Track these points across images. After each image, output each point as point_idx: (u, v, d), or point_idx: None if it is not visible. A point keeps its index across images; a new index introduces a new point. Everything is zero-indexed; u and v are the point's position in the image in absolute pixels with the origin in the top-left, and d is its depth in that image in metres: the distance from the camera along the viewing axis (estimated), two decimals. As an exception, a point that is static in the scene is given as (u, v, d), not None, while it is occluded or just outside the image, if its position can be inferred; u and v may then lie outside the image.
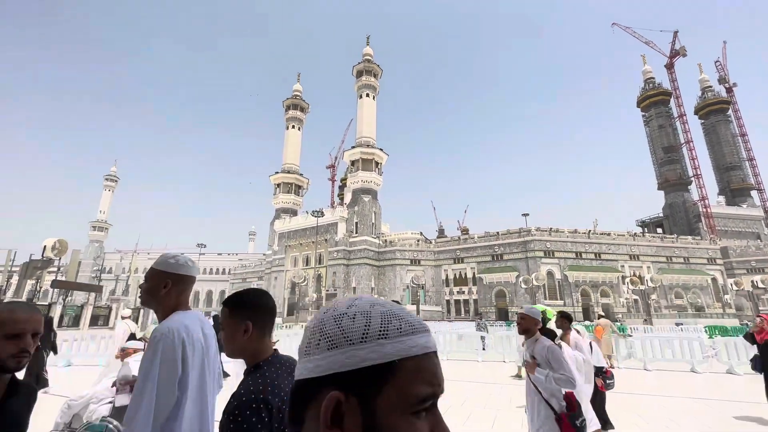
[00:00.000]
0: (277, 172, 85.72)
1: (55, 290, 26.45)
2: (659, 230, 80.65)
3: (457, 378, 10.34)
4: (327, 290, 62.44)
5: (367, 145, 73.00)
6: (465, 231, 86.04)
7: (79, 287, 25.41)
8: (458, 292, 62.18)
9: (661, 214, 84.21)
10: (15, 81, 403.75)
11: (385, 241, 69.28)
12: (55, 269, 25.63)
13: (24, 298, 22.43)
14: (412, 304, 56.74)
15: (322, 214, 60.63)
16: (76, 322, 24.06)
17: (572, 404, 2.92)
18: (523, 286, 51.05)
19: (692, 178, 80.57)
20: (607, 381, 5.27)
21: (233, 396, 1.27)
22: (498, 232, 62.36)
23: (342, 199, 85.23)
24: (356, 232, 66.46)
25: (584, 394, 4.40)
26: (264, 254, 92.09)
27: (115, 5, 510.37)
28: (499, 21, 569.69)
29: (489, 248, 61.68)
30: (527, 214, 63.04)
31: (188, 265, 1.89)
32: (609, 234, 61.63)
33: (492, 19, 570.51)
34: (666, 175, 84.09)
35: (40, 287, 28.49)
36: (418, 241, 70.58)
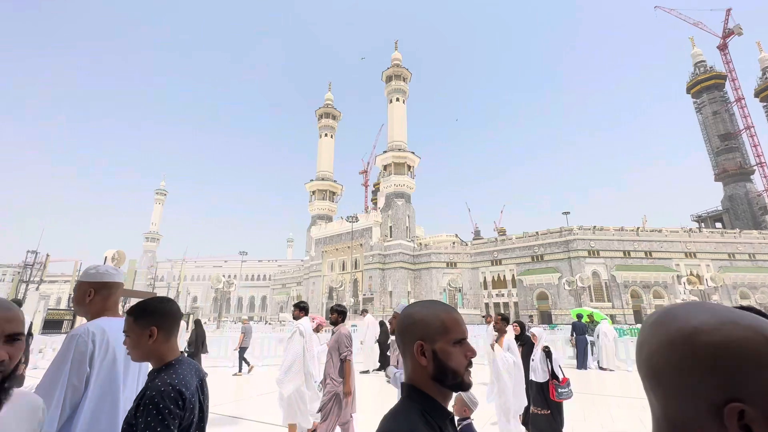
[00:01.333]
0: (312, 180, 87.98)
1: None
2: (718, 225, 74.40)
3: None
4: (364, 294, 63.07)
5: (399, 149, 73.27)
6: (502, 232, 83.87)
7: (135, 294, 27.20)
8: (497, 295, 60.61)
9: (720, 208, 77.67)
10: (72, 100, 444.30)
11: (420, 244, 68.99)
12: (116, 278, 27.88)
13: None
14: (450, 307, 55.89)
15: (357, 220, 61.44)
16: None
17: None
18: (566, 287, 48.84)
19: (755, 167, 73.78)
20: (559, 390, 4.85)
21: (150, 389, 1.38)
22: (537, 232, 60.23)
23: (376, 203, 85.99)
24: (391, 236, 66.71)
25: (510, 395, 4.66)
26: (302, 260, 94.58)
27: (168, 23, 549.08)
28: (531, 11, 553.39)
29: (528, 249, 59.70)
30: (568, 213, 60.46)
31: (108, 272, 2.01)
32: (660, 231, 57.65)
33: (524, 8, 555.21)
34: (724, 165, 77.57)
35: (103, 295, 31.00)
36: (454, 243, 69.64)
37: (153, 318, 1.53)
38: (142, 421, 1.31)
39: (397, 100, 77.52)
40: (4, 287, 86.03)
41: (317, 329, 6.31)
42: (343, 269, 69.62)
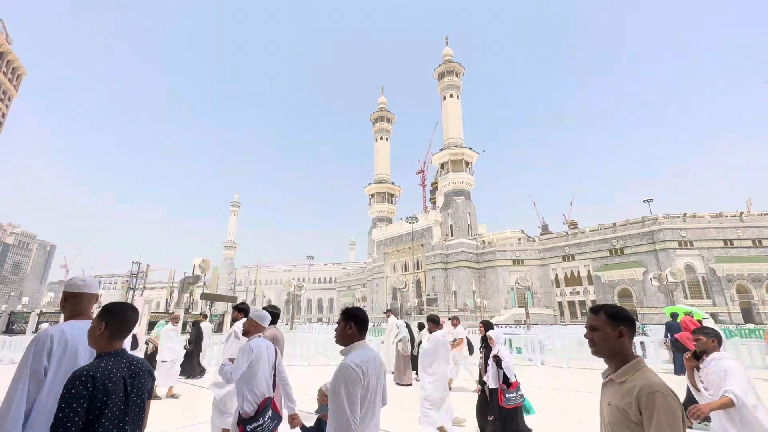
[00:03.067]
0: (370, 184, 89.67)
1: (203, 301, 31.75)
2: None
3: (576, 388, 9.30)
4: (427, 295, 62.63)
5: (455, 146, 71.74)
6: (573, 225, 78.01)
7: (219, 298, 30.11)
8: (571, 293, 56.43)
9: None
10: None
11: (483, 242, 66.75)
12: (202, 284, 30.96)
13: (182, 309, 27.49)
14: (519, 306, 53.35)
15: (416, 220, 61.25)
16: (219, 329, 28.50)
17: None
18: (654, 283, 43.80)
19: None
20: (507, 395, 4.56)
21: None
22: (615, 224, 55.00)
23: (434, 203, 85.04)
24: (452, 235, 65.47)
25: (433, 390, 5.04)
26: (364, 262, 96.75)
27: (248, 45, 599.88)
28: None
29: (605, 242, 54.75)
30: (650, 200, 54.49)
31: (77, 284, 2.31)
32: (771, 214, 49.43)
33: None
34: None
35: (192, 299, 34.56)
36: (520, 239, 66.28)
37: (107, 317, 1.92)
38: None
39: (451, 96, 76.03)
40: (116, 294, 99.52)
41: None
42: (406, 270, 69.83)
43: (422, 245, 66.73)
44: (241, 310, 4.92)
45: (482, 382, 5.23)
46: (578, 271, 56.44)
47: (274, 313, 4.32)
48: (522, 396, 4.64)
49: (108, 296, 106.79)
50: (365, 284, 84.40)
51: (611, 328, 1.71)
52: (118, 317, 1.96)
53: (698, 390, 3.28)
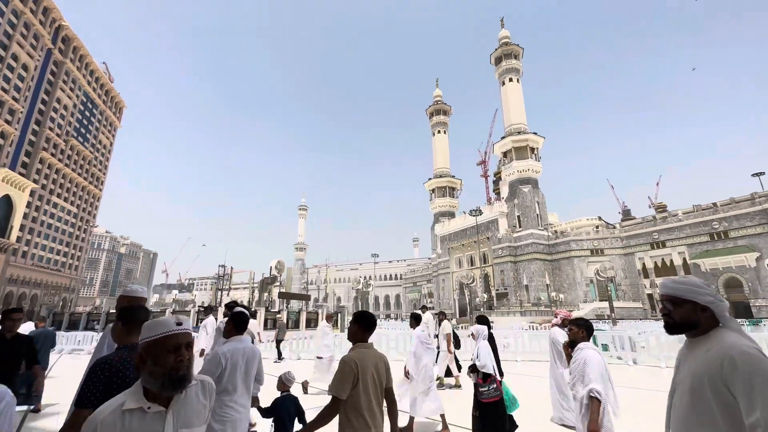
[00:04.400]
0: (430, 179, 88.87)
1: (281, 300, 34.12)
2: None
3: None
4: (497, 289, 60.43)
5: (518, 132, 68.05)
6: (661, 208, 69.70)
7: (295, 297, 32.17)
8: (664, 284, 50.41)
9: None
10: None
11: (556, 232, 62.51)
12: (278, 284, 33.28)
13: (263, 308, 29.83)
14: (602, 300, 49.13)
15: (480, 213, 59.29)
16: (296, 325, 30.40)
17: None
18: (771, 270, 37.43)
19: None
20: (480, 389, 4.51)
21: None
22: (716, 203, 47.95)
23: (499, 194, 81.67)
24: (520, 227, 62.31)
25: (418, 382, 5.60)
26: (429, 258, 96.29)
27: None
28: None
29: (703, 225, 48.01)
30: (761, 173, 46.56)
31: (135, 289, 2.82)
32: None
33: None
34: None
35: (271, 298, 37.30)
36: (597, 227, 60.93)
37: (123, 317, 2.30)
38: None
39: (510, 80, 72.21)
40: (207, 294, 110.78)
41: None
42: (472, 264, 68.08)
43: (488, 238, 64.47)
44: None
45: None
46: (671, 260, 50.25)
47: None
48: (497, 390, 4.48)
49: (200, 297, 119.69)
50: (431, 280, 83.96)
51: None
52: (131, 315, 2.35)
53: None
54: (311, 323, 31.09)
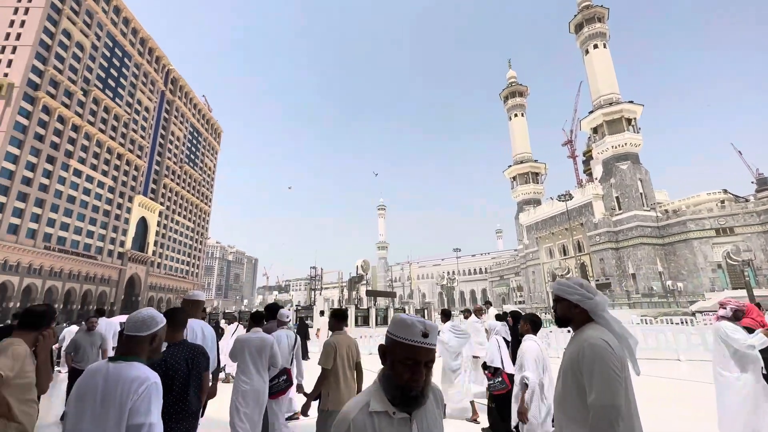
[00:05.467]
0: (510, 166, 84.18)
1: (368, 297, 35.46)
2: None
3: None
4: (597, 279, 54.73)
5: (610, 104, 60.69)
6: (815, 171, 56.11)
7: (381, 294, 33.19)
8: (827, 266, 40.52)
9: None
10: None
11: (667, 211, 54.38)
12: (365, 282, 34.68)
13: (353, 305, 31.37)
14: (735, 288, 41.37)
15: (570, 197, 54.28)
16: (384, 322, 31.31)
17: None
18: None
19: None
20: (489, 382, 4.87)
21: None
22: None
23: (590, 175, 73.89)
24: (619, 209, 55.57)
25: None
26: (515, 250, 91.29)
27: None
28: None
29: None
30: None
31: (195, 294, 3.73)
32: None
33: None
34: None
35: (359, 296, 39.01)
36: (723, 202, 51.40)
37: (166, 316, 2.53)
38: None
39: (596, 47, 64.74)
40: (302, 295, 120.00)
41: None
42: (565, 254, 62.77)
43: (582, 224, 58.74)
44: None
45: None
46: (835, 235, 40.15)
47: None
48: (502, 383, 4.69)
49: (297, 297, 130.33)
50: (519, 273, 79.51)
51: None
52: (171, 319, 2.70)
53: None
54: (399, 319, 31.65)
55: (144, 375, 1.85)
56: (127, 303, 73.01)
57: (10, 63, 55.51)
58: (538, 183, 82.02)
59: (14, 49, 56.26)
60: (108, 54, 71.75)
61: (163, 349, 2.95)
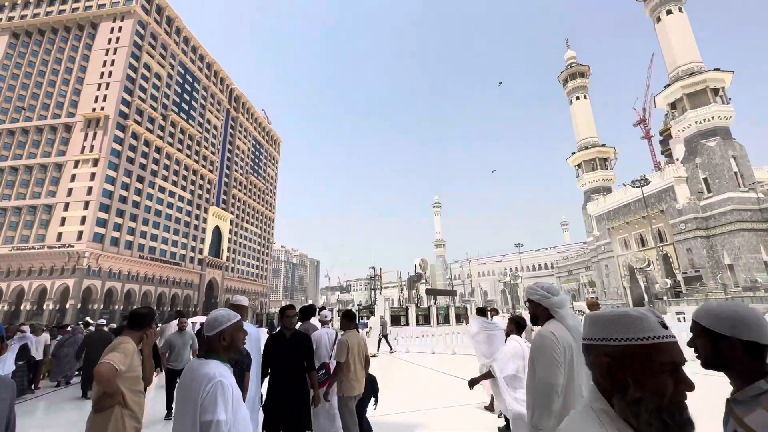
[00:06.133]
0: (573, 153, 78.55)
1: (428, 296, 35.29)
2: None
3: None
4: (684, 272, 48.91)
5: (690, 74, 53.90)
6: None
7: (441, 293, 32.83)
8: None
9: None
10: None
11: (770, 191, 46.99)
12: (424, 281, 34.54)
13: (413, 304, 31.43)
14: None
15: (647, 182, 49.12)
16: (446, 320, 30.93)
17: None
18: None
19: None
20: None
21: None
22: None
23: (670, 156, 66.30)
24: (708, 191, 49.12)
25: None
26: (584, 243, 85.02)
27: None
28: None
29: None
30: None
31: (240, 299, 4.15)
32: None
33: None
34: None
35: (419, 295, 38.96)
36: None
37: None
38: None
39: (669, 12, 57.89)
40: (362, 294, 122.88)
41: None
42: (643, 245, 57.00)
43: (662, 211, 52.86)
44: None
45: None
46: None
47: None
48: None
49: (358, 297, 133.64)
50: (590, 267, 73.83)
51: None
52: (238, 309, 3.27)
53: None
54: (460, 318, 31.18)
55: (212, 373, 1.92)
56: (207, 305, 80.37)
57: (105, 98, 63.95)
58: (607, 169, 75.45)
59: (107, 85, 64.72)
60: (181, 80, 79.62)
61: None
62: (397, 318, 31.35)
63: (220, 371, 1.97)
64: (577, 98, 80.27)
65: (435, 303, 39.49)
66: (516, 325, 4.39)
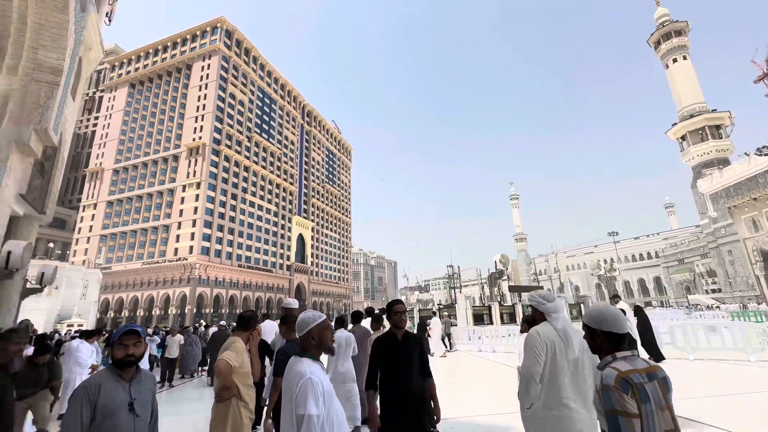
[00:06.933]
0: (674, 124, 68.39)
1: (511, 293, 33.56)
2: None
3: None
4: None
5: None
6: None
7: (525, 289, 30.92)
8: None
9: None
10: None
11: None
12: (506, 278, 32.90)
13: (496, 302, 30.11)
14: None
15: (779, 147, 40.61)
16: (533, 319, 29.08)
17: None
18: None
19: None
20: None
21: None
22: None
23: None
24: None
25: None
26: (696, 226, 73.46)
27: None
28: None
29: None
30: None
31: (290, 303, 4.58)
32: None
33: None
34: None
35: (501, 292, 37.23)
36: None
37: (284, 320, 3.77)
38: None
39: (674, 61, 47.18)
40: (441, 294, 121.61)
41: None
42: (780, 224, 47.17)
43: (804, 181, 43.21)
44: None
45: None
46: None
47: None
48: None
49: (437, 296, 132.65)
50: (706, 254, 63.48)
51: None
52: (287, 321, 3.62)
53: None
54: (550, 316, 28.93)
55: (303, 371, 2.07)
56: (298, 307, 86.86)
57: (201, 128, 73.09)
58: (720, 138, 64.09)
59: (202, 117, 73.85)
60: (260, 103, 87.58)
61: (283, 344, 3.71)
62: (480, 317, 30.24)
63: (311, 369, 2.11)
64: (675, 61, 69.73)
65: (520, 300, 37.38)
66: (529, 325, 4.41)
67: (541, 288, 32.01)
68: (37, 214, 10.31)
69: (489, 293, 34.80)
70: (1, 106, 7.97)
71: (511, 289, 28.49)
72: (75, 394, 2.09)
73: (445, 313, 24.01)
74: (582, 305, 30.38)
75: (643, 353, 10.40)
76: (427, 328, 16.56)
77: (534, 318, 2.86)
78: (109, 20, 13.25)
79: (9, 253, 7.92)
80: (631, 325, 9.51)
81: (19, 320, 11.16)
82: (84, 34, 10.12)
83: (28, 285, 10.67)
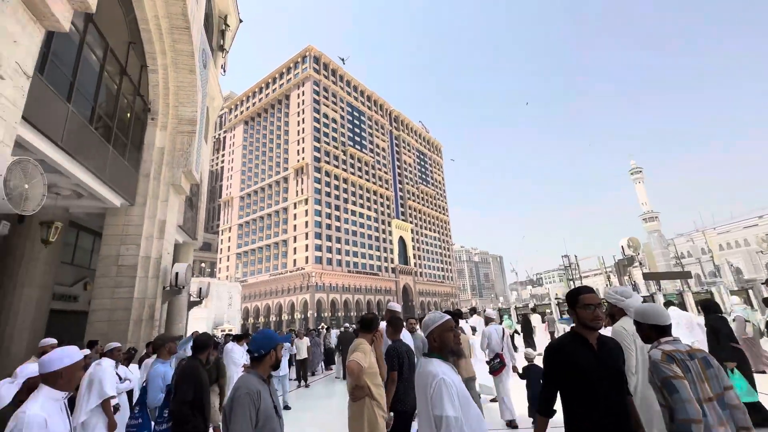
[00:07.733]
0: None
1: (646, 282, 28.86)
2: None
3: None
4: None
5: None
6: None
7: (666, 276, 26.14)
8: None
9: None
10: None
11: None
12: (638, 264, 28.35)
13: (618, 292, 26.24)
14: None
15: None
16: (683, 308, 24.45)
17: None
18: None
19: None
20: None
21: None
22: None
23: None
24: None
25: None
26: None
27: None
28: None
29: None
30: None
31: (393, 306, 4.78)
32: None
33: None
34: None
35: (633, 281, 32.32)
36: None
37: (391, 322, 4.10)
38: None
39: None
40: (558, 286, 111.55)
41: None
42: None
43: None
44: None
45: None
46: None
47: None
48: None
49: (553, 289, 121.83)
50: None
51: None
52: (394, 323, 3.91)
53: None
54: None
55: (435, 371, 2.07)
56: (405, 308, 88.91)
57: (303, 150, 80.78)
58: None
59: (303, 139, 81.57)
60: (350, 117, 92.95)
61: (389, 344, 3.84)
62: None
63: (443, 369, 2.09)
64: None
65: (659, 289, 31.89)
66: (612, 319, 4.36)
67: (688, 274, 26.59)
68: (191, 240, 12.67)
69: (618, 282, 30.49)
70: (160, 157, 10.00)
71: (647, 277, 24.25)
72: (242, 401, 2.18)
73: (548, 311, 21.88)
74: (750, 291, 24.40)
75: None
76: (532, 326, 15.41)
77: (612, 313, 3.14)
78: (224, 71, 15.60)
79: (176, 273, 9.85)
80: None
81: (187, 327, 13.85)
82: (207, 87, 12.11)
83: (191, 299, 13.13)
